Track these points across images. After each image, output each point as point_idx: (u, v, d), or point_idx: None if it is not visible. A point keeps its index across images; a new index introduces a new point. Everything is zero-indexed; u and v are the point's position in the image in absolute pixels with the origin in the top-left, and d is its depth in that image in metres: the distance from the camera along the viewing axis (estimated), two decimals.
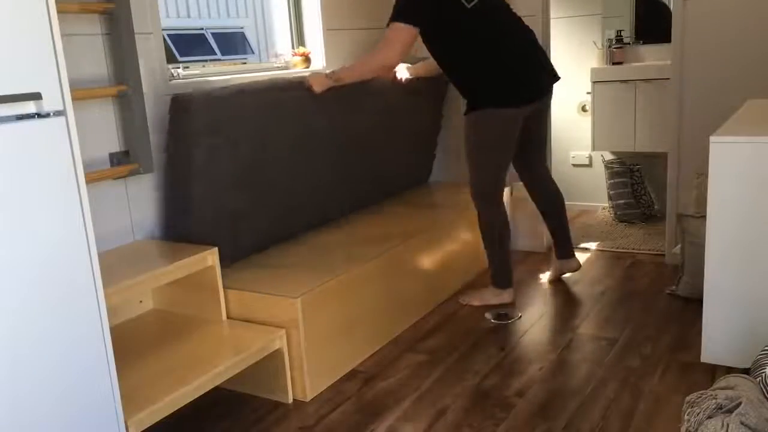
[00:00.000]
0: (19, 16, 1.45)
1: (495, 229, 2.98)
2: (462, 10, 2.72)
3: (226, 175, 2.51)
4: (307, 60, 3.37)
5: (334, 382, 2.47)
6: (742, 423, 1.18)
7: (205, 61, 6.60)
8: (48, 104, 1.51)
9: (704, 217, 1.77)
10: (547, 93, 2.99)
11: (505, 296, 3.07)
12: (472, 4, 2.74)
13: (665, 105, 3.47)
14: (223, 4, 7.75)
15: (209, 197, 2.47)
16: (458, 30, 2.74)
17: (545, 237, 3.77)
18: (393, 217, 3.29)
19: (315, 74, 2.83)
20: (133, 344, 2.27)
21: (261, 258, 2.72)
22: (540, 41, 3.49)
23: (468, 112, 2.84)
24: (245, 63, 3.69)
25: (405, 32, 2.70)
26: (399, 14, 2.71)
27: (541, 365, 2.51)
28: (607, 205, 4.43)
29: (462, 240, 3.34)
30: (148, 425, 1.86)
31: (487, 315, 2.97)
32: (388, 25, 2.73)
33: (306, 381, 2.34)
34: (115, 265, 2.23)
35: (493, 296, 3.07)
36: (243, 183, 2.58)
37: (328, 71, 2.90)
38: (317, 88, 2.77)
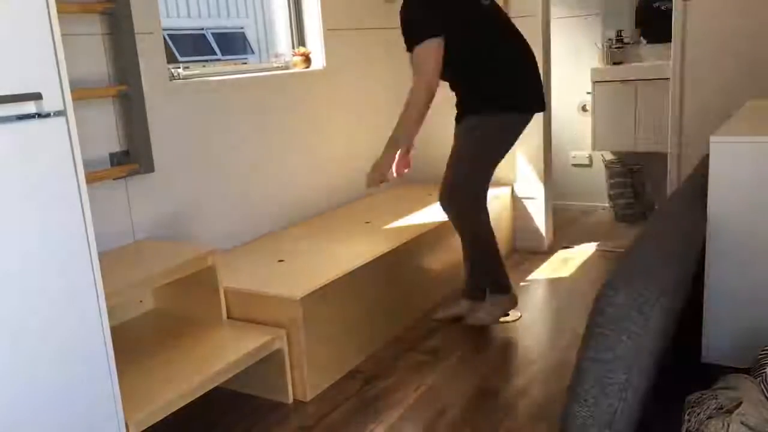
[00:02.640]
0: (19, 16, 1.45)
1: (488, 232, 2.75)
2: (478, 7, 2.63)
3: None
4: (307, 60, 3.37)
5: (334, 382, 2.47)
6: (742, 423, 1.18)
7: (205, 61, 6.60)
8: (48, 104, 1.51)
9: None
10: (544, 109, 2.85)
11: (512, 301, 2.83)
12: (486, 3, 2.66)
13: (665, 105, 3.47)
14: (223, 4, 7.75)
15: None
16: (476, 29, 2.63)
17: (546, 237, 3.77)
18: (392, 217, 3.29)
19: (377, 164, 2.65)
20: (133, 344, 2.27)
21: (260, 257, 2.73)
22: (540, 41, 3.50)
23: (467, 116, 2.69)
24: (245, 63, 3.69)
25: (434, 48, 2.53)
26: (421, 32, 2.54)
27: (541, 365, 2.51)
28: (607, 205, 4.43)
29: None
30: (148, 425, 1.86)
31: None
32: (410, 49, 2.57)
33: (306, 381, 2.34)
34: (115, 265, 2.23)
35: (500, 306, 2.81)
36: None
37: (386, 147, 2.66)
38: (386, 170, 2.62)
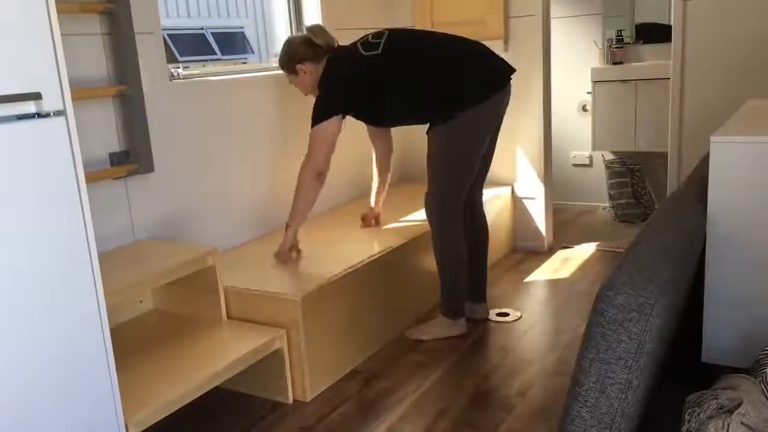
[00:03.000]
0: (19, 16, 1.45)
1: (462, 247, 2.71)
2: (372, 59, 2.61)
3: None
4: None
5: (334, 382, 2.47)
6: (742, 423, 1.18)
7: (205, 60, 6.60)
8: (48, 104, 1.51)
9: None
10: (508, 81, 2.66)
11: (459, 327, 2.77)
12: (372, 53, 2.62)
13: (665, 105, 3.47)
14: (223, 4, 7.75)
15: None
16: (386, 68, 2.61)
17: (546, 237, 3.77)
18: (392, 217, 3.29)
19: (278, 253, 2.72)
20: (133, 344, 2.27)
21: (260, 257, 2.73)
22: (540, 41, 3.50)
23: (437, 126, 2.61)
24: (245, 63, 3.69)
25: (329, 129, 2.57)
26: (321, 113, 2.58)
27: (541, 365, 2.51)
28: (607, 204, 4.43)
29: None
30: (148, 425, 1.86)
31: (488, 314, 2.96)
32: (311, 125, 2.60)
33: (306, 381, 2.34)
34: (115, 265, 2.23)
35: (444, 328, 2.78)
36: None
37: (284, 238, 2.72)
38: (285, 256, 2.69)
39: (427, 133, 2.66)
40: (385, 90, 2.64)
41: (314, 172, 2.63)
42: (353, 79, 2.64)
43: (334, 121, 2.58)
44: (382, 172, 3.12)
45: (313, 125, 2.59)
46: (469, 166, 2.65)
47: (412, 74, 2.61)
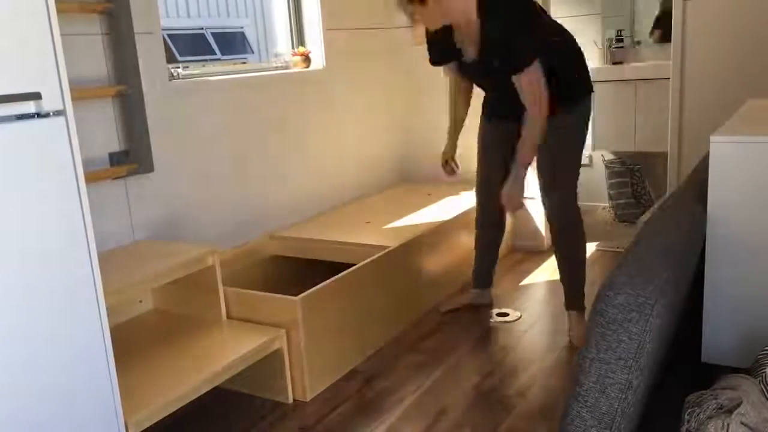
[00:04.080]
0: (19, 16, 1.45)
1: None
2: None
3: None
4: (307, 60, 3.37)
5: (334, 382, 2.47)
6: (742, 423, 1.18)
7: (205, 60, 6.60)
8: (48, 104, 1.51)
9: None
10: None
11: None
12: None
13: (665, 105, 3.47)
14: (223, 4, 7.75)
15: None
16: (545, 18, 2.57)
17: (545, 237, 3.77)
18: (391, 216, 3.29)
19: (509, 191, 2.55)
20: (133, 344, 2.27)
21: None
22: None
23: (566, 105, 2.50)
24: (245, 63, 3.69)
25: (540, 71, 2.37)
26: (533, 52, 2.34)
27: (541, 365, 2.51)
28: (607, 204, 4.43)
29: (461, 240, 3.33)
30: (148, 425, 1.86)
31: (488, 314, 2.97)
32: (516, 71, 2.36)
33: (306, 381, 2.34)
34: (115, 265, 2.23)
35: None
36: None
37: (515, 176, 2.55)
38: (520, 198, 2.58)
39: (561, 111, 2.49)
40: (547, 42, 2.46)
41: (544, 116, 2.40)
42: (536, 19, 2.44)
43: (538, 64, 2.36)
44: (466, 105, 2.86)
45: (526, 66, 2.34)
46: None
47: (559, 35, 2.56)
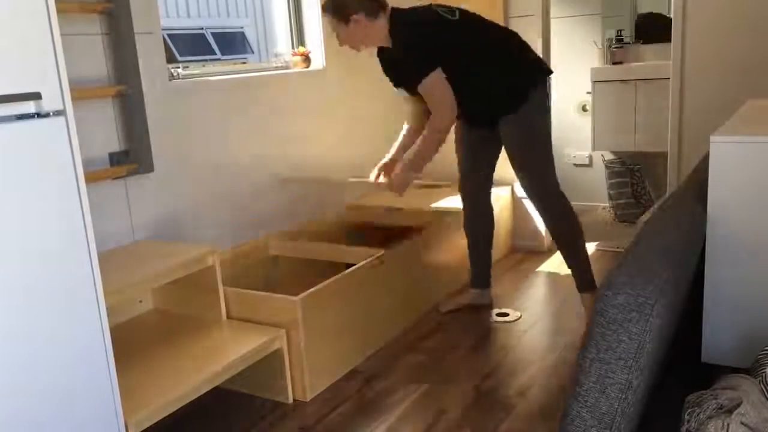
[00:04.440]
0: (19, 16, 1.45)
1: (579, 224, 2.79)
2: (453, 23, 2.62)
3: None
4: (307, 60, 3.37)
5: (334, 382, 2.47)
6: (742, 423, 1.18)
7: (205, 60, 6.59)
8: (48, 104, 1.51)
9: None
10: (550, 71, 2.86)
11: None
12: (451, 18, 2.63)
13: (665, 105, 3.47)
14: (223, 4, 7.74)
15: None
16: (467, 34, 2.63)
17: (546, 237, 3.77)
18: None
19: (396, 177, 2.71)
20: (133, 344, 2.27)
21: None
22: (540, 41, 3.50)
23: (520, 106, 2.63)
24: (245, 63, 3.69)
25: (439, 75, 2.53)
26: (425, 65, 2.53)
27: (541, 365, 2.51)
28: (607, 204, 4.43)
29: (461, 240, 3.33)
30: (148, 425, 1.86)
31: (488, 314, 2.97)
32: (415, 82, 2.55)
33: (306, 381, 2.34)
34: (115, 265, 2.23)
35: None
36: None
37: (400, 170, 2.72)
38: (403, 189, 2.72)
39: (496, 125, 2.70)
40: (469, 56, 2.61)
41: (446, 125, 2.60)
42: (441, 39, 2.58)
43: (438, 71, 2.52)
44: (414, 135, 2.89)
45: (420, 79, 2.53)
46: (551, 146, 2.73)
47: (487, 45, 2.64)
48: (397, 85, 2.80)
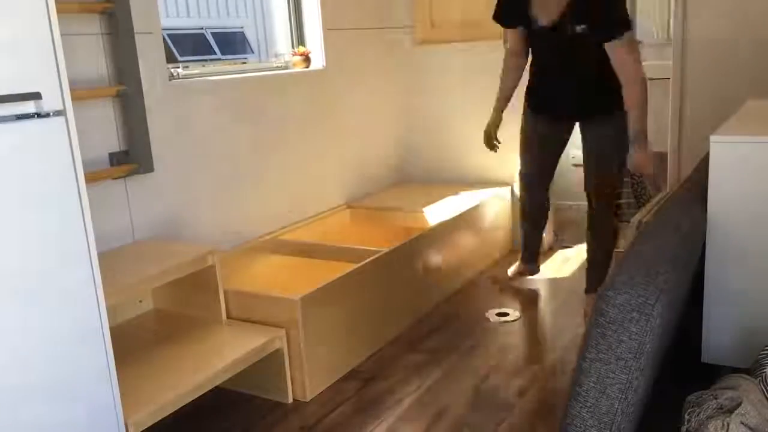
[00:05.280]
0: (19, 16, 1.45)
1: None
2: None
3: None
4: (307, 60, 3.37)
5: (334, 382, 2.47)
6: (742, 423, 1.18)
7: (205, 60, 6.58)
8: (48, 104, 1.51)
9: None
10: None
11: None
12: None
13: (665, 105, 3.46)
14: (223, 4, 7.74)
15: None
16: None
17: (545, 237, 3.77)
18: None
19: (637, 154, 2.58)
20: (133, 344, 2.27)
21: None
22: None
23: (612, 112, 2.59)
24: (245, 63, 3.69)
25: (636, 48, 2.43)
26: (623, 21, 2.37)
27: (541, 365, 2.51)
28: None
29: (462, 240, 3.33)
30: (148, 425, 1.86)
31: (488, 314, 2.97)
32: (612, 37, 2.38)
33: (306, 381, 2.34)
34: (115, 265, 2.23)
35: None
36: None
37: (635, 142, 2.57)
38: (650, 165, 2.64)
39: (576, 123, 2.72)
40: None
41: (642, 70, 2.46)
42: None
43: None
44: (517, 81, 2.94)
45: (618, 36, 2.35)
46: None
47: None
48: (513, 25, 2.64)
